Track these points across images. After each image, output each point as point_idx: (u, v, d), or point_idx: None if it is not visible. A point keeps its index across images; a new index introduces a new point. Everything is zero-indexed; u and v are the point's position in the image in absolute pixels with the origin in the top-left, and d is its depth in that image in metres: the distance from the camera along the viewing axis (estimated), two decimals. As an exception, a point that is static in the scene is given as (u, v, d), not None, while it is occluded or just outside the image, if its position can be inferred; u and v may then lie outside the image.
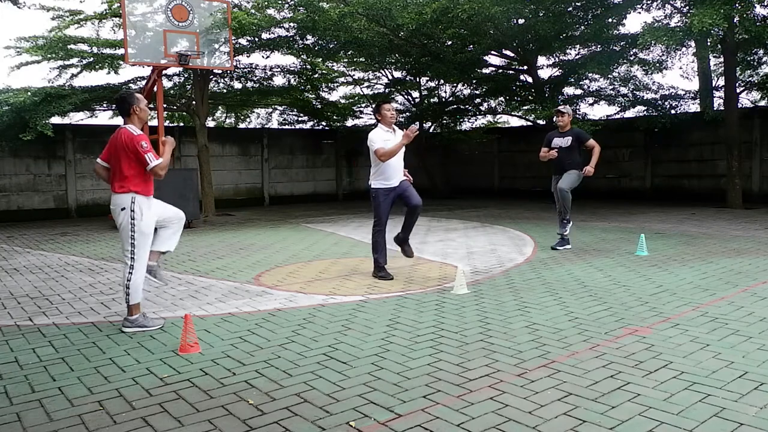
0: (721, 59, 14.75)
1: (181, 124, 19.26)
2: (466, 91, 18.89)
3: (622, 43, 14.51)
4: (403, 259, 6.89)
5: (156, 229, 4.67)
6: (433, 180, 19.10)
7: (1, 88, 12.59)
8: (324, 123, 19.24)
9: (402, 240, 6.50)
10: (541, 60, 16.57)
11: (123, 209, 4.45)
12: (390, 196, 6.28)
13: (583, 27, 14.16)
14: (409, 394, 3.19)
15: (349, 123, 19.59)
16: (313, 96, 18.46)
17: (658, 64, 14.82)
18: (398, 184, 6.30)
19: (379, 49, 14.39)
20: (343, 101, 19.88)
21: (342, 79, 19.33)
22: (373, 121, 18.86)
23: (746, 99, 15.96)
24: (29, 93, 11.87)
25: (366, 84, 19.85)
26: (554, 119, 8.15)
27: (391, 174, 6.23)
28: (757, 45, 12.89)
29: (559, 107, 8.08)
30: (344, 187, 19.74)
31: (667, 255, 7.41)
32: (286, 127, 19.88)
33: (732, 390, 3.14)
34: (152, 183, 4.63)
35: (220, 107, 20.72)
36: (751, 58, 14.47)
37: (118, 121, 4.76)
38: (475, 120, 20.13)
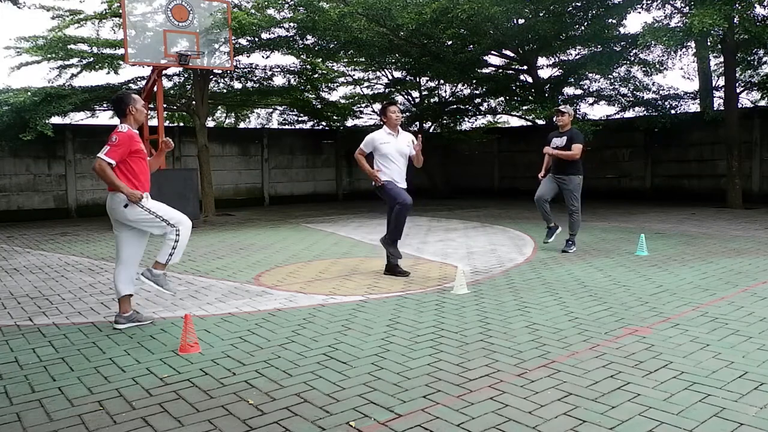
0: (721, 59, 14.77)
1: (181, 124, 19.26)
2: (466, 91, 18.89)
3: (622, 44, 14.51)
4: (404, 259, 6.88)
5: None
6: (433, 180, 19.10)
7: (1, 88, 12.59)
8: (324, 123, 19.23)
9: (393, 266, 6.46)
10: (541, 60, 16.57)
11: (126, 206, 4.44)
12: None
13: (583, 27, 14.16)
14: (409, 394, 3.19)
15: (349, 123, 19.60)
16: (313, 96, 18.45)
17: (658, 65, 14.83)
18: (403, 188, 6.33)
19: (379, 49, 14.39)
20: (343, 101, 19.88)
21: (342, 79, 19.33)
22: (374, 121, 19.02)
23: (746, 99, 15.98)
24: (29, 93, 11.86)
25: (366, 84, 19.85)
26: (554, 119, 8.15)
27: (395, 177, 6.26)
28: (757, 45, 12.89)
29: (560, 107, 8.06)
30: (344, 187, 19.73)
31: (667, 255, 7.41)
32: (286, 127, 19.87)
33: (732, 390, 3.14)
34: (148, 180, 4.61)
35: (220, 107, 20.71)
36: (751, 58, 14.48)
37: (118, 121, 4.72)
38: (475, 120, 20.14)
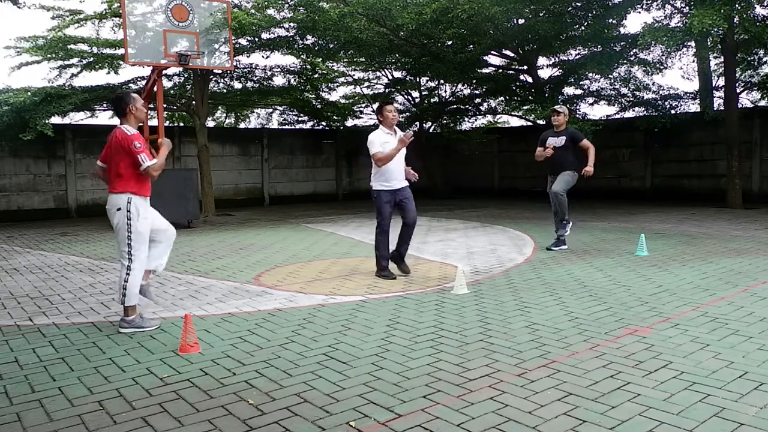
0: (721, 59, 14.76)
1: (181, 124, 19.26)
2: (466, 91, 18.89)
3: (622, 44, 14.50)
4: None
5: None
6: (433, 180, 19.10)
7: (1, 88, 12.60)
8: (324, 123, 19.24)
9: (398, 257, 6.46)
10: (541, 60, 16.57)
11: (119, 209, 4.44)
12: (391, 199, 6.26)
13: (583, 27, 14.16)
14: (409, 394, 3.19)
15: (349, 123, 19.61)
16: (313, 96, 18.46)
17: (658, 65, 14.83)
18: (400, 188, 6.29)
19: (379, 49, 14.39)
20: (343, 101, 19.88)
21: (342, 79, 19.34)
22: (374, 121, 19.01)
23: (746, 99, 15.98)
24: (29, 93, 11.86)
25: (366, 84, 19.86)
26: (552, 118, 8.16)
27: (391, 176, 6.23)
28: (757, 45, 12.89)
29: (556, 106, 8.08)
30: (344, 187, 19.74)
31: (667, 255, 7.41)
32: (286, 127, 19.88)
33: (732, 390, 3.14)
34: (149, 184, 4.62)
35: (220, 107, 20.71)
36: (751, 58, 14.48)
37: (118, 120, 4.76)
38: (475, 120, 20.15)
